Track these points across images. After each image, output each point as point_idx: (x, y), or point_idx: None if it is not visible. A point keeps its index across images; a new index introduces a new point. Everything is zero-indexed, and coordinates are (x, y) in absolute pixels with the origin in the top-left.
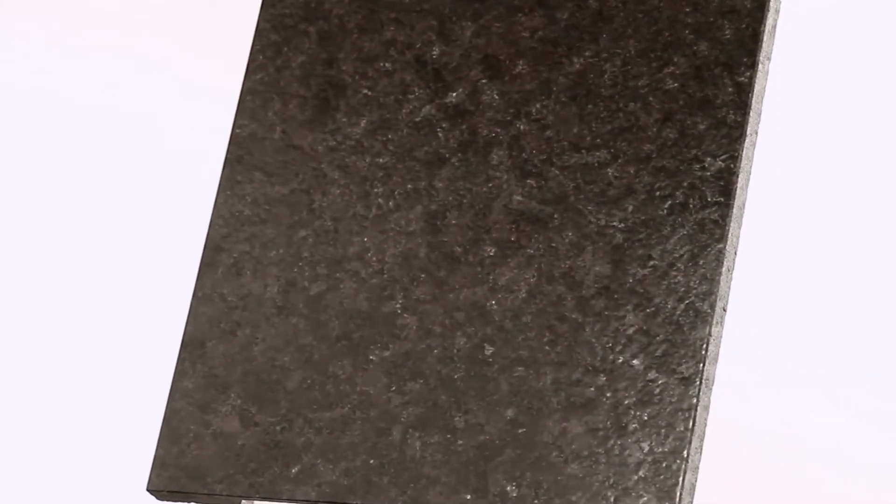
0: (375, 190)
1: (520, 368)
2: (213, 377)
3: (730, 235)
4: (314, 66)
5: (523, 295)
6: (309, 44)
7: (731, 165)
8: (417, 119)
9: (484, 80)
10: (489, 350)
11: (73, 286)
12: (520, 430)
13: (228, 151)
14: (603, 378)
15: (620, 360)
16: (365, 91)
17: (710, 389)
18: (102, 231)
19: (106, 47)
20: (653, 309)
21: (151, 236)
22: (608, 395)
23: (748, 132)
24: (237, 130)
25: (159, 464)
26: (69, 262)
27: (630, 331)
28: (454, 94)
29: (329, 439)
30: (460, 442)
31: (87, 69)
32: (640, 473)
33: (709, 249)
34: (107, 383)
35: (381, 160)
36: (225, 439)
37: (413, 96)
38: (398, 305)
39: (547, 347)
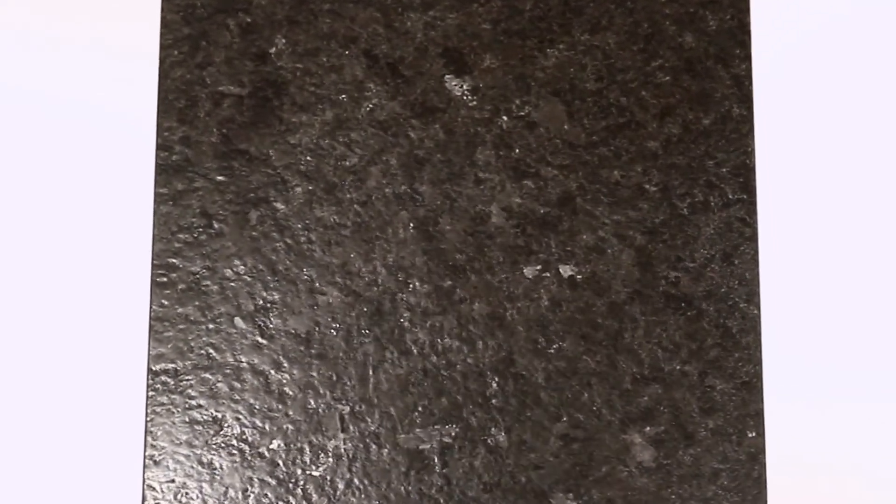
0: (349, 196)
1: (559, 380)
2: (198, 407)
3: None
4: (243, 62)
5: (545, 303)
6: (231, 37)
7: (747, 161)
8: (382, 118)
9: (449, 75)
10: (520, 362)
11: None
12: (574, 445)
13: (159, 157)
14: (657, 387)
15: (671, 368)
16: (311, 88)
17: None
18: (62, 236)
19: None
20: (695, 312)
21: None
22: (666, 404)
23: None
24: (165, 133)
25: None
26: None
27: (676, 336)
28: (419, 91)
29: (352, 466)
30: (508, 461)
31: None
32: (721, 483)
33: (742, 248)
34: (60, 410)
35: (347, 163)
36: (225, 474)
37: (370, 93)
38: (402, 319)
39: (585, 357)
